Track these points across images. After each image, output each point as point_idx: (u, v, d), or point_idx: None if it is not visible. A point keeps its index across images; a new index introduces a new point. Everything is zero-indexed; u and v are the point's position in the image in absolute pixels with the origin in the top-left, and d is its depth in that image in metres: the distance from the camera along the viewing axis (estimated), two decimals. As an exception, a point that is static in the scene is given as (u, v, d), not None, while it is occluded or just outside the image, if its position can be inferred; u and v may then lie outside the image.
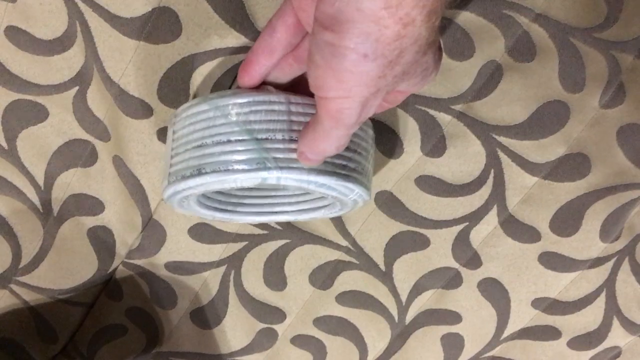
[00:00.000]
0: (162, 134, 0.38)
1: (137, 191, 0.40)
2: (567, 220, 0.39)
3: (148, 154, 0.39)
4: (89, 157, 0.40)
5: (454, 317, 0.43)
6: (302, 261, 0.42)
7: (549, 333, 0.43)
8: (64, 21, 0.36)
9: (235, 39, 0.36)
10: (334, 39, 0.22)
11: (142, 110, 0.38)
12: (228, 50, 0.36)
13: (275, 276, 0.43)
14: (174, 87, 0.37)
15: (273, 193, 0.38)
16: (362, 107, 0.25)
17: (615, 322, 0.43)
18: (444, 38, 0.35)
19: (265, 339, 0.45)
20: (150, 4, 0.35)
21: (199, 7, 0.35)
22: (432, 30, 0.23)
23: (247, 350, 0.46)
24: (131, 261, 0.44)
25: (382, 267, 0.42)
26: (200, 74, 0.37)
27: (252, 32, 0.35)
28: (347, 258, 0.42)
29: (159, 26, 0.35)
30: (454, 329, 0.44)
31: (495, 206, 0.39)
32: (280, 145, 0.30)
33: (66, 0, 0.35)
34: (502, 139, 0.38)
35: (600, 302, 0.42)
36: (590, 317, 0.43)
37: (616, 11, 0.35)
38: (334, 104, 0.25)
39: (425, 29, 0.23)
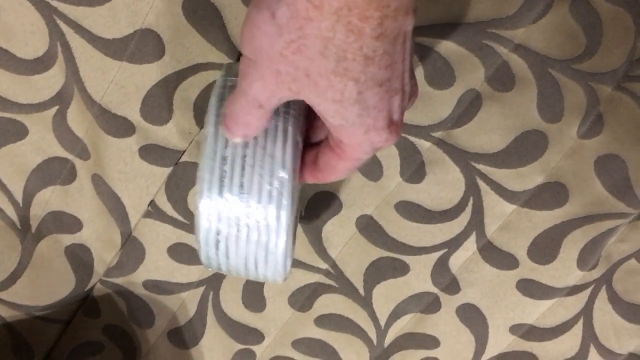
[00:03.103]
0: (144, 151, 0.38)
1: (117, 208, 0.40)
2: (544, 248, 0.40)
3: (129, 172, 0.39)
4: (67, 175, 0.40)
5: (432, 342, 0.43)
6: (281, 283, 0.42)
7: (527, 359, 0.43)
8: (45, 41, 0.36)
9: (216, 57, 0.36)
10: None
11: (124, 128, 0.38)
12: (210, 66, 0.36)
13: (254, 298, 0.43)
14: (157, 105, 0.37)
15: None
16: (261, 79, 0.24)
17: (593, 350, 0.43)
18: (426, 66, 0.36)
19: (243, 361, 0.45)
20: (133, 26, 0.35)
21: (182, 29, 0.35)
22: (345, 47, 0.22)
23: (225, 371, 0.45)
24: (109, 279, 0.43)
25: (362, 292, 0.42)
26: (183, 89, 0.37)
27: (234, 51, 0.36)
28: (326, 281, 0.42)
29: (141, 48, 0.35)
30: (432, 353, 0.44)
31: (474, 233, 0.39)
32: None
33: (48, 21, 0.35)
34: (480, 167, 0.38)
35: (578, 329, 0.42)
36: (567, 344, 0.43)
37: (595, 43, 0.35)
38: (244, 65, 0.25)
39: (333, 28, 0.21)
